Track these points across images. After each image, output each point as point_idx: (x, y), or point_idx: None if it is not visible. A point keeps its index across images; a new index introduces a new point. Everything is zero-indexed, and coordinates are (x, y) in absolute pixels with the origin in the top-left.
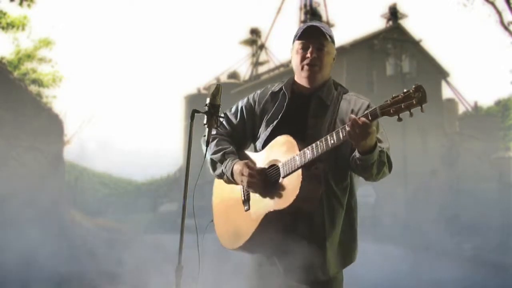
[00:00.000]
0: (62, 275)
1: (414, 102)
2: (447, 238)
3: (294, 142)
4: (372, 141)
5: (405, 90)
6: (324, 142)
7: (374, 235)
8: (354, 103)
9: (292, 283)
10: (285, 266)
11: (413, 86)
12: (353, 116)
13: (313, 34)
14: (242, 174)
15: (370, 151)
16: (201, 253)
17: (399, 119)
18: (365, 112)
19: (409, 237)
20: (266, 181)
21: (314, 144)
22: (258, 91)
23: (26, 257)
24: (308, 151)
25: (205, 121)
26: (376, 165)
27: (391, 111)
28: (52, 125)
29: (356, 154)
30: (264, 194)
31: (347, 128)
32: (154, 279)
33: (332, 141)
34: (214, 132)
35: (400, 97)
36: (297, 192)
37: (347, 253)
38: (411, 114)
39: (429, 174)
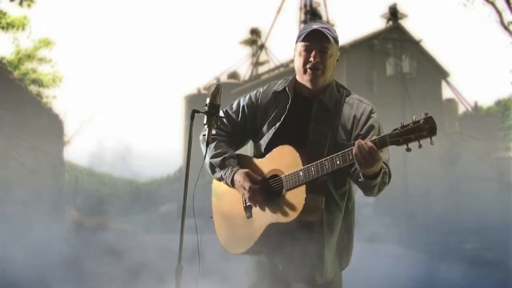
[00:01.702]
0: (62, 275)
1: (424, 134)
2: (447, 238)
3: (297, 155)
4: (377, 168)
5: (415, 119)
6: (329, 162)
7: (373, 235)
8: (356, 108)
9: (291, 284)
10: (285, 269)
11: (423, 117)
12: (361, 141)
13: (317, 37)
14: (244, 188)
15: (374, 176)
16: (201, 253)
17: (408, 149)
18: (373, 139)
19: (409, 237)
20: (267, 195)
21: (319, 162)
22: (261, 89)
23: (26, 257)
24: (312, 169)
25: (205, 121)
26: (378, 186)
27: (400, 141)
28: (52, 125)
29: (360, 176)
30: (266, 208)
31: (353, 152)
32: (154, 279)
33: (338, 162)
34: (214, 131)
35: (409, 127)
36: (301, 208)
37: (344, 257)
38: (420, 146)
39: (429, 176)
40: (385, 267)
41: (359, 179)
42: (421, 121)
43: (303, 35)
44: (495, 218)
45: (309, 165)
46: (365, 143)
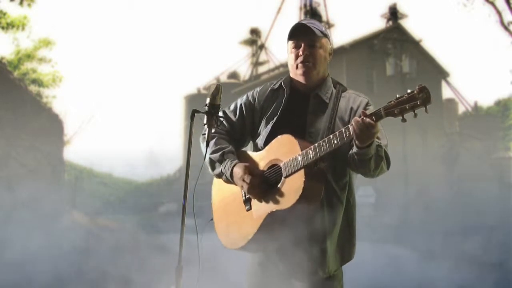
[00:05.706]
0: (62, 275)
1: (418, 103)
2: (447, 238)
3: (295, 141)
4: (372, 139)
5: (409, 91)
6: (327, 143)
7: (374, 235)
8: (353, 101)
9: (292, 281)
10: (286, 264)
11: (417, 87)
12: (357, 118)
13: (303, 32)
14: (243, 180)
15: (367, 145)
16: (201, 252)
17: (403, 120)
18: (369, 113)
19: (409, 237)
20: (266, 186)
21: (316, 144)
22: (258, 89)
23: (26, 258)
24: (310, 151)
25: (205, 121)
26: (373, 159)
27: (396, 112)
28: (52, 125)
29: (354, 148)
30: (265, 198)
31: (351, 129)
32: (154, 279)
33: (335, 141)
34: (213, 130)
35: (404, 97)
36: (300, 192)
37: (346, 250)
38: (415, 115)
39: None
40: (385, 267)
41: (354, 154)
42: (415, 91)
43: (290, 34)
44: (495, 218)
45: (307, 148)
46: (362, 118)
